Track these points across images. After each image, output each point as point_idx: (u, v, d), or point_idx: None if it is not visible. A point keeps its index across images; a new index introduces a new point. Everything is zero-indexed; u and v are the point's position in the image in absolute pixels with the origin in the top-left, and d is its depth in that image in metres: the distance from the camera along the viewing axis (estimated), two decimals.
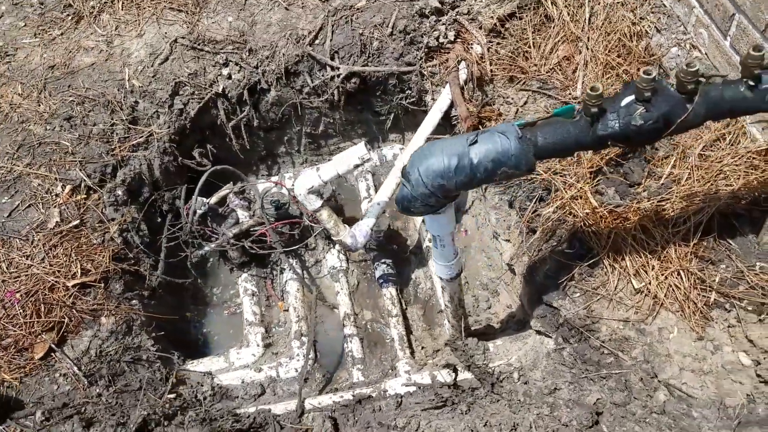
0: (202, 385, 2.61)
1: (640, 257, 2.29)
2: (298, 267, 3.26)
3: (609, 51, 3.00)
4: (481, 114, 3.07)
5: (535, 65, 3.14)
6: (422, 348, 3.06)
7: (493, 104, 3.11)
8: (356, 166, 2.56)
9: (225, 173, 3.15)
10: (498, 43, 3.28)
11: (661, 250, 2.28)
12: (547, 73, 3.09)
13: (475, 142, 1.71)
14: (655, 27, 3.03)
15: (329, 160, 2.81)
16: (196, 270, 3.26)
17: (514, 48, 3.22)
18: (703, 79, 1.65)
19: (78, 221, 2.78)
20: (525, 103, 3.04)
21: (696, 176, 2.42)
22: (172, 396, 2.45)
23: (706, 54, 2.77)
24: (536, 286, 2.51)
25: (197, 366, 2.81)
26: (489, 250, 3.19)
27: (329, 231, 2.87)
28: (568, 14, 3.19)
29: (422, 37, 3.32)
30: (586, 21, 3.14)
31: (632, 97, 1.66)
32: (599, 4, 3.16)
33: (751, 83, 1.65)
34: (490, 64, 3.21)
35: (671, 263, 2.24)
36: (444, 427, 2.19)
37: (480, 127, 3.05)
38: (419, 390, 2.47)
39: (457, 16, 3.35)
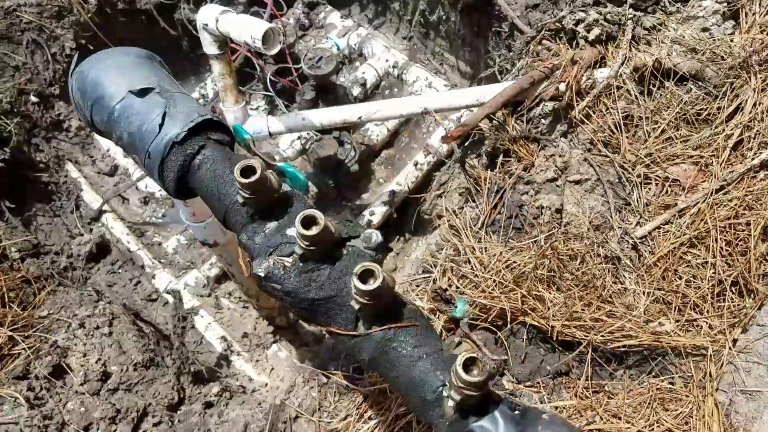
0: None
1: None
2: None
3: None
4: (502, 145, 2.31)
5: (637, 155, 2.22)
6: None
7: (533, 155, 2.30)
8: (245, 43, 2.02)
9: None
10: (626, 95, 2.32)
11: None
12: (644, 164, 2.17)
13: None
14: None
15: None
16: None
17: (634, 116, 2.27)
18: None
19: None
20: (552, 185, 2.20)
21: None
22: None
23: None
24: None
25: None
26: None
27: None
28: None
29: (561, 8, 2.44)
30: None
31: None
32: None
33: None
34: (594, 105, 2.32)
35: None
36: None
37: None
38: None
39: (625, 20, 2.37)
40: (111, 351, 2.24)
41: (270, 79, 2.78)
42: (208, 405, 2.21)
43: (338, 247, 1.11)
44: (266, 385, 2.40)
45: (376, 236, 1.11)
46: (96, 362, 2.19)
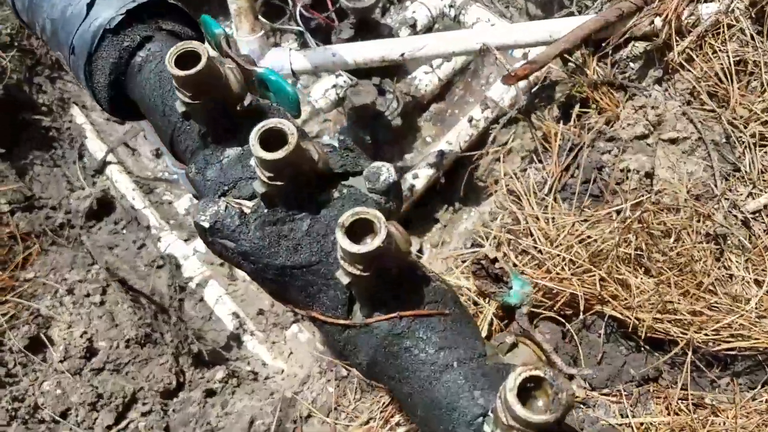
0: None
1: None
2: None
3: None
4: (578, 92, 1.88)
5: (750, 110, 1.77)
6: None
7: (618, 105, 1.86)
8: None
9: None
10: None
11: None
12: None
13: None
14: None
15: None
16: None
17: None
18: None
19: None
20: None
21: None
22: None
23: None
24: None
25: None
26: None
27: None
28: None
29: None
30: None
31: None
32: None
33: None
34: (697, 46, 1.88)
35: None
36: None
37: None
38: None
39: None
40: (100, 323, 1.93)
41: (301, 12, 2.39)
42: (210, 393, 1.87)
43: (326, 186, 0.71)
44: (282, 371, 2.04)
45: (388, 173, 0.71)
46: (81, 336, 1.88)
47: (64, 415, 1.75)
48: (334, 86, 2.51)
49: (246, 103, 0.80)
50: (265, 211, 0.68)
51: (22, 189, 2.26)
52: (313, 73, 2.36)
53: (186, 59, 0.69)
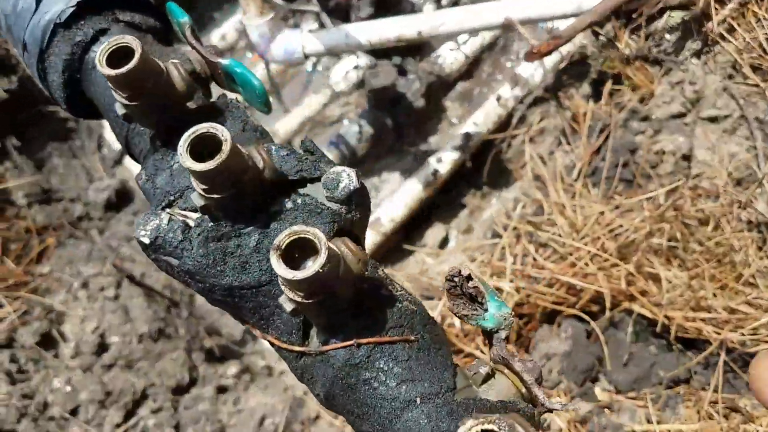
0: None
1: None
2: None
3: None
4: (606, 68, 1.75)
5: None
6: None
7: (653, 82, 1.73)
8: None
9: None
10: None
11: None
12: None
13: None
14: None
15: None
16: None
17: None
18: None
19: None
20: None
21: None
22: None
23: None
24: None
25: None
26: None
27: None
28: None
29: None
30: None
31: None
32: None
33: None
34: (739, 15, 1.74)
35: None
36: None
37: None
38: None
39: None
40: (114, 318, 1.91)
41: None
42: (222, 389, 1.84)
43: (278, 194, 0.64)
44: None
45: (348, 179, 0.63)
46: (92, 331, 1.86)
47: (74, 412, 1.74)
48: (356, 67, 2.42)
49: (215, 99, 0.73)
50: (209, 225, 0.61)
51: (39, 181, 2.25)
52: (327, 56, 2.28)
53: (121, 55, 0.62)
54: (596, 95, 1.88)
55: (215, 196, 0.58)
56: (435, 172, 2.21)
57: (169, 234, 0.64)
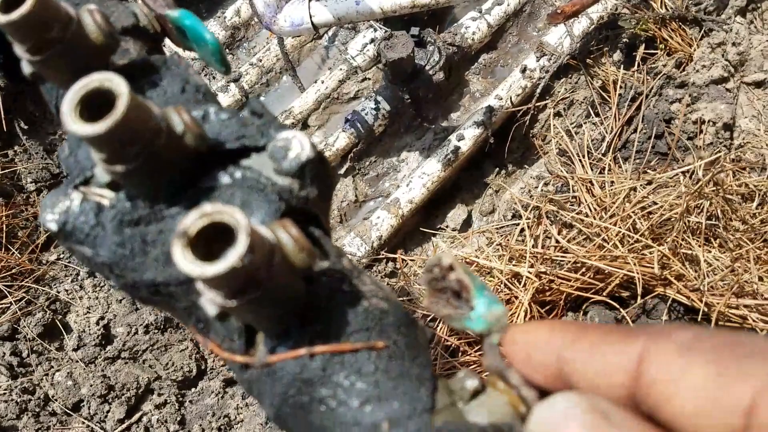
0: None
1: None
2: None
3: None
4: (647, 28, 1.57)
5: None
6: None
7: (691, 44, 1.55)
8: None
9: None
10: None
11: None
12: None
13: None
14: None
15: None
16: None
17: None
18: None
19: None
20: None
21: None
22: None
23: None
24: None
25: None
26: None
27: None
28: None
29: None
30: None
31: None
32: None
33: None
34: None
35: None
36: None
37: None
38: None
39: None
40: (120, 308, 1.82)
41: None
42: (230, 382, 1.73)
43: (213, 168, 0.51)
44: None
45: (300, 147, 0.50)
46: (96, 322, 1.77)
47: (76, 407, 1.65)
48: (373, 41, 2.28)
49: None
50: (125, 206, 0.48)
51: (49, 166, 2.17)
52: (338, 26, 2.14)
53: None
54: (628, 62, 1.71)
55: (118, 167, 0.45)
56: (456, 150, 2.06)
57: (80, 218, 0.51)
